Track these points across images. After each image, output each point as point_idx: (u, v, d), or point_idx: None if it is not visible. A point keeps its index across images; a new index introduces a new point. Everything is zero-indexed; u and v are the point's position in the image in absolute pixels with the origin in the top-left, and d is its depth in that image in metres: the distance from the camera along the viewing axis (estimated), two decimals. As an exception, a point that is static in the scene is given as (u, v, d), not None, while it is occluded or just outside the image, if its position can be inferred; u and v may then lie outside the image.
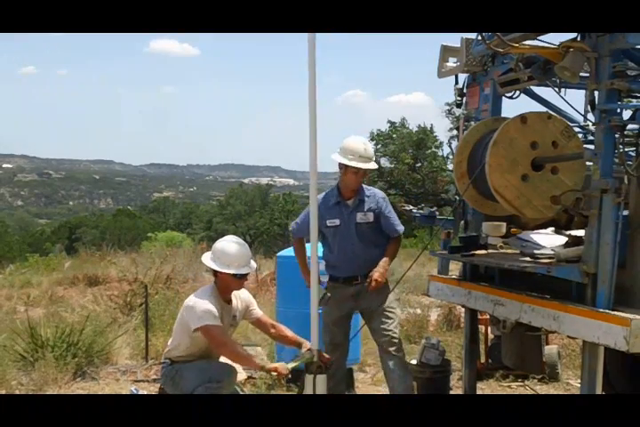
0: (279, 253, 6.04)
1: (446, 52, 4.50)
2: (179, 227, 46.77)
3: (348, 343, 4.59)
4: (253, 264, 4.04)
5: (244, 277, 3.98)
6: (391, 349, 4.38)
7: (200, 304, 3.90)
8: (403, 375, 4.37)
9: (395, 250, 4.55)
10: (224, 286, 4.00)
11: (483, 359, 6.00)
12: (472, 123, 4.43)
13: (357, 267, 4.43)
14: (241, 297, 4.15)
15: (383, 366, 4.49)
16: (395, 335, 4.42)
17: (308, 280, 4.13)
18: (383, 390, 5.19)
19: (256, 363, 3.99)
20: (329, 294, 4.42)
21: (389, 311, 4.47)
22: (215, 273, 4.00)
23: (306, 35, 3.34)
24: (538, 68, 3.62)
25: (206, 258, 4.00)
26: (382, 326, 4.41)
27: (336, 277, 4.50)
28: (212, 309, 3.87)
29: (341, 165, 4.38)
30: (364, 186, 4.55)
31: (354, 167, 4.31)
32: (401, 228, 4.54)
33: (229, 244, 3.99)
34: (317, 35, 3.37)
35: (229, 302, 4.06)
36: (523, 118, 3.77)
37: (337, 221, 4.42)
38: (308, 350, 3.75)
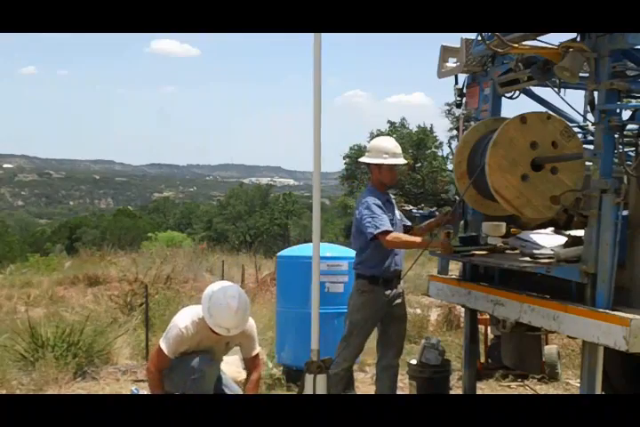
0: (279, 253, 6.04)
1: (446, 52, 4.50)
2: (179, 227, 46.75)
3: None
4: (241, 328, 3.96)
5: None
6: (393, 362, 4.55)
7: (177, 327, 3.98)
8: (392, 386, 4.56)
9: None
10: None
11: (482, 359, 6.00)
12: (472, 123, 4.43)
13: (397, 262, 4.50)
14: (247, 327, 4.08)
15: (377, 373, 4.64)
16: (402, 345, 4.63)
17: (423, 242, 4.23)
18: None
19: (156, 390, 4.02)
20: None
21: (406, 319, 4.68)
22: None
23: (307, 35, 3.35)
24: (537, 69, 3.62)
25: (205, 300, 3.93)
26: (401, 336, 4.60)
27: (376, 278, 4.44)
28: (178, 342, 3.94)
29: (374, 166, 4.50)
30: None
31: (390, 164, 4.46)
32: None
33: (225, 307, 3.87)
34: (312, 34, 3.37)
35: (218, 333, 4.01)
36: (522, 118, 3.77)
37: (390, 216, 4.48)
38: None
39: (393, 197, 4.71)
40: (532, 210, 3.80)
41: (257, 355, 4.29)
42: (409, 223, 4.70)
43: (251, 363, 4.26)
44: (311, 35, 3.36)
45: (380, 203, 4.38)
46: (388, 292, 4.47)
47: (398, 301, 4.56)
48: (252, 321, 4.16)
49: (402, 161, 4.54)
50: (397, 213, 4.60)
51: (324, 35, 3.33)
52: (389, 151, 4.46)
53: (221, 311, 3.88)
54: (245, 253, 20.06)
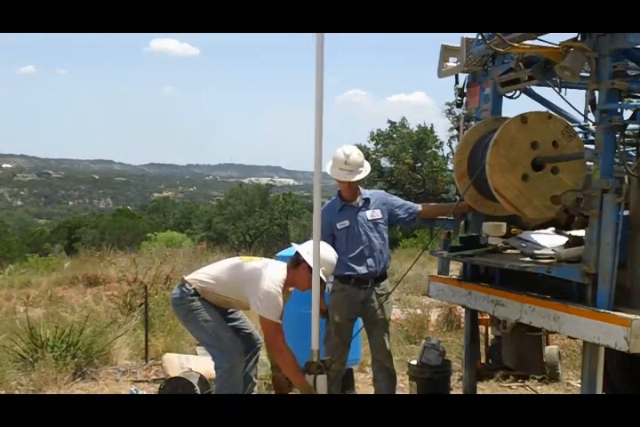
0: (279, 254, 6.01)
1: (446, 51, 4.49)
2: (178, 227, 46.76)
3: (349, 347, 4.64)
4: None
5: None
6: (386, 364, 4.56)
7: (275, 295, 3.94)
8: (389, 386, 4.56)
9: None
10: (295, 281, 4.06)
11: (483, 360, 5.99)
12: (472, 122, 4.43)
13: (369, 264, 4.46)
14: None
15: (374, 374, 4.68)
16: (389, 351, 4.60)
17: None
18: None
19: (300, 379, 3.78)
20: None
21: (388, 325, 4.61)
22: (297, 265, 4.03)
23: (308, 34, 3.35)
24: (538, 68, 3.61)
25: (310, 258, 3.87)
26: (381, 342, 4.55)
27: (348, 278, 4.47)
28: (281, 305, 3.96)
29: None
30: (364, 190, 4.63)
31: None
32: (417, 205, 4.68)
33: (334, 258, 4.08)
34: (315, 34, 3.38)
35: (288, 292, 4.16)
36: (523, 118, 3.76)
37: (347, 222, 4.48)
38: None
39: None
40: (533, 210, 3.79)
41: None
42: (416, 205, 4.64)
43: None
44: (310, 35, 3.37)
45: (329, 214, 4.38)
46: (361, 292, 4.46)
47: (375, 303, 4.48)
48: None
49: (345, 177, 4.38)
50: (369, 212, 4.50)
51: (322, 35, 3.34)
52: (337, 164, 4.40)
53: (334, 266, 4.07)
54: (245, 254, 20.07)
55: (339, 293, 4.51)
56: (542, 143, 3.78)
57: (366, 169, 4.48)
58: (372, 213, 4.52)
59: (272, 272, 4.07)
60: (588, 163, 3.72)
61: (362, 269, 4.45)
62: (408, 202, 4.71)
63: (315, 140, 3.47)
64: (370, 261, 4.46)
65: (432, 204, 5.04)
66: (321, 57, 3.41)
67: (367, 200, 4.55)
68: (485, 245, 4.09)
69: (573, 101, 4.09)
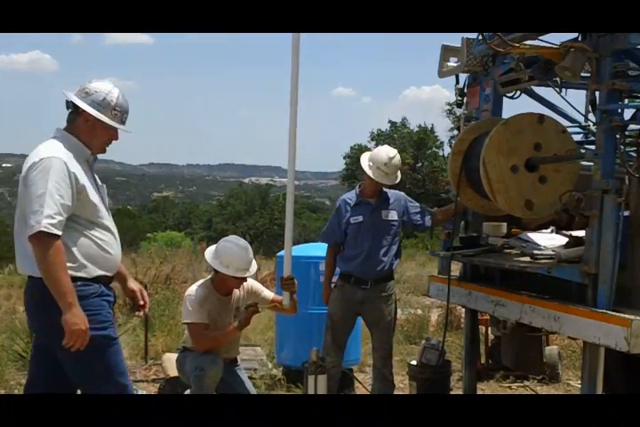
0: (279, 253, 6.02)
1: (447, 51, 4.49)
2: (178, 227, 46.73)
3: (343, 348, 4.64)
4: (253, 268, 4.05)
5: (242, 278, 4.01)
6: (378, 364, 4.56)
7: (188, 300, 4.03)
8: (381, 387, 4.56)
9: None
10: (221, 283, 4.06)
11: (483, 360, 5.99)
12: (472, 122, 4.42)
13: (370, 265, 4.45)
14: (245, 287, 4.17)
15: (372, 380, 4.75)
16: (387, 352, 4.57)
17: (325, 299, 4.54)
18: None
19: (232, 330, 4.04)
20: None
21: (390, 327, 4.58)
22: (217, 272, 4.03)
23: (313, 35, 3.37)
24: (538, 68, 3.61)
25: (209, 254, 4.04)
26: (380, 342, 4.55)
27: (348, 276, 4.48)
28: (197, 306, 3.98)
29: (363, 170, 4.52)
30: (387, 190, 4.62)
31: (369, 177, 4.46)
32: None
33: (232, 246, 4.01)
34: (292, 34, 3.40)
35: (228, 294, 4.10)
36: (540, 118, 3.76)
37: (360, 218, 4.49)
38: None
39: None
40: (521, 210, 3.77)
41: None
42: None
43: (278, 299, 4.19)
44: (313, 34, 3.38)
45: (345, 206, 4.52)
46: (359, 292, 4.47)
47: (374, 304, 4.48)
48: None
49: (381, 179, 4.41)
50: (384, 212, 4.49)
51: (328, 34, 3.36)
52: (375, 163, 4.43)
53: (230, 251, 3.97)
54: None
55: (339, 289, 4.53)
56: (541, 146, 3.76)
57: (398, 176, 4.55)
58: (388, 214, 4.52)
59: (193, 285, 4.18)
60: (587, 163, 3.72)
61: (362, 268, 4.43)
62: (426, 208, 4.70)
63: (289, 140, 3.53)
64: (372, 260, 4.44)
65: (444, 208, 4.84)
66: (297, 57, 3.46)
67: (386, 200, 4.55)
68: (485, 245, 4.09)
69: (574, 102, 4.09)
